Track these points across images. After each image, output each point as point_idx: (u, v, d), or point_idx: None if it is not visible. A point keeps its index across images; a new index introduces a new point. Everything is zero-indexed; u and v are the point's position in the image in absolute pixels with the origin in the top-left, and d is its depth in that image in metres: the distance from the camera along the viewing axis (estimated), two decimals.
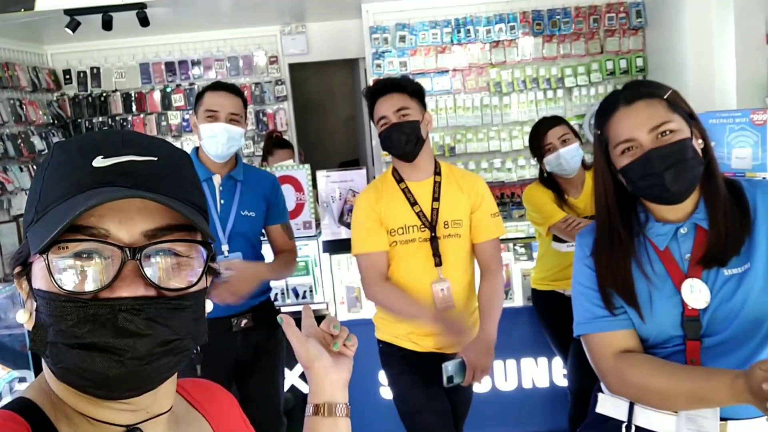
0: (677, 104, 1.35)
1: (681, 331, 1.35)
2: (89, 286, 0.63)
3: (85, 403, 0.68)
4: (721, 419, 1.31)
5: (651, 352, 1.40)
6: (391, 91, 2.23)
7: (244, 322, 2.37)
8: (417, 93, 2.26)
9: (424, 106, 2.29)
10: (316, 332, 0.95)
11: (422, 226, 2.23)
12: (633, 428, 1.41)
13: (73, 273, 0.63)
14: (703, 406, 1.28)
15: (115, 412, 0.68)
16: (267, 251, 2.57)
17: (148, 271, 0.65)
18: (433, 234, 2.23)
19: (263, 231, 2.54)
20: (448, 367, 2.11)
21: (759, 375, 1.09)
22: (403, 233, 2.24)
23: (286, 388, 3.17)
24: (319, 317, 0.97)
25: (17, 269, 0.69)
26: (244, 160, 5.94)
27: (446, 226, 2.25)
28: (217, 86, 2.42)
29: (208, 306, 0.73)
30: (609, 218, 1.42)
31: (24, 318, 0.68)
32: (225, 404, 0.88)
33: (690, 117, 1.36)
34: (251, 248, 2.44)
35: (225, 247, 2.35)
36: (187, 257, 0.68)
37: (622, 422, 1.43)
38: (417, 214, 2.24)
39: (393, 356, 2.32)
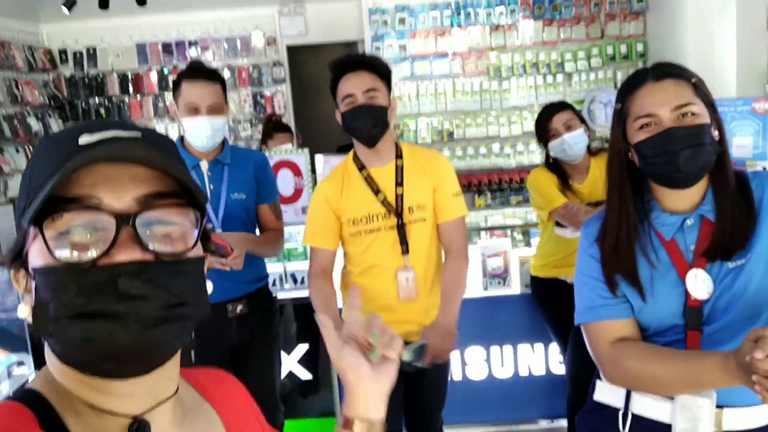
0: (702, 91, 1.36)
1: (682, 320, 1.36)
2: (87, 255, 0.63)
3: (90, 391, 0.67)
4: (717, 407, 1.32)
5: (652, 340, 1.41)
6: (362, 68, 2.10)
7: (239, 308, 2.37)
8: (386, 76, 2.15)
9: (390, 90, 2.18)
10: (358, 333, 0.85)
11: (387, 214, 2.16)
12: (630, 416, 1.42)
13: (69, 243, 0.63)
14: (697, 389, 1.30)
15: (121, 399, 0.68)
16: None
17: (144, 237, 0.65)
18: (399, 221, 2.15)
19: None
20: (406, 350, 2.05)
21: (746, 347, 1.10)
22: (367, 222, 2.16)
23: (283, 374, 3.19)
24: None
25: (13, 264, 0.69)
26: (242, 144, 5.96)
27: (411, 211, 2.17)
28: (194, 74, 2.31)
29: (209, 286, 0.73)
30: (620, 194, 1.42)
31: (25, 312, 0.67)
32: (238, 396, 0.87)
33: (711, 107, 1.36)
34: (246, 231, 2.43)
35: (219, 231, 2.35)
36: (181, 224, 0.68)
37: (619, 409, 1.44)
38: (381, 202, 2.16)
39: None
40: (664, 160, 1.32)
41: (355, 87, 2.09)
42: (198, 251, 0.70)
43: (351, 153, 2.26)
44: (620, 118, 1.41)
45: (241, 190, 2.40)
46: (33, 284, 0.65)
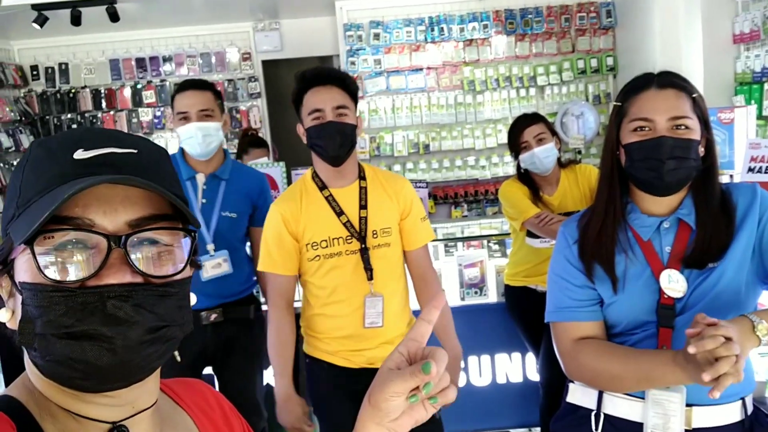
0: (699, 107, 1.40)
1: (655, 318, 1.39)
2: (76, 275, 0.63)
3: (70, 399, 0.67)
4: (687, 405, 1.34)
5: (623, 338, 1.44)
6: (333, 83, 1.99)
7: (213, 316, 2.38)
8: (354, 94, 2.05)
9: (356, 107, 2.08)
10: (413, 356, 0.74)
11: (349, 237, 2.02)
12: (602, 416, 1.44)
13: (59, 263, 0.63)
14: (650, 385, 1.34)
15: (101, 408, 0.68)
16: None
17: (134, 259, 0.65)
18: (363, 245, 2.02)
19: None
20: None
21: (689, 342, 1.14)
22: (327, 246, 2.02)
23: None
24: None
25: None
26: None
27: (375, 236, 2.05)
28: (185, 86, 2.38)
29: (192, 298, 0.73)
30: (610, 187, 1.46)
31: (6, 317, 0.67)
32: (213, 404, 0.87)
33: (705, 124, 1.41)
34: (234, 250, 2.43)
35: (210, 246, 2.35)
36: (171, 246, 0.68)
37: (592, 410, 1.46)
38: (344, 224, 2.02)
39: (321, 373, 2.11)
40: (649, 166, 1.36)
41: (325, 102, 1.98)
42: (186, 272, 0.70)
43: (309, 171, 2.12)
44: (618, 116, 1.45)
45: (234, 210, 2.40)
46: (17, 294, 0.66)
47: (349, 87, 2.03)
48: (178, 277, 0.68)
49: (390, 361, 0.74)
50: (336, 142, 1.97)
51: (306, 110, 2.01)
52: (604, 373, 1.39)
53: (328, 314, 2.07)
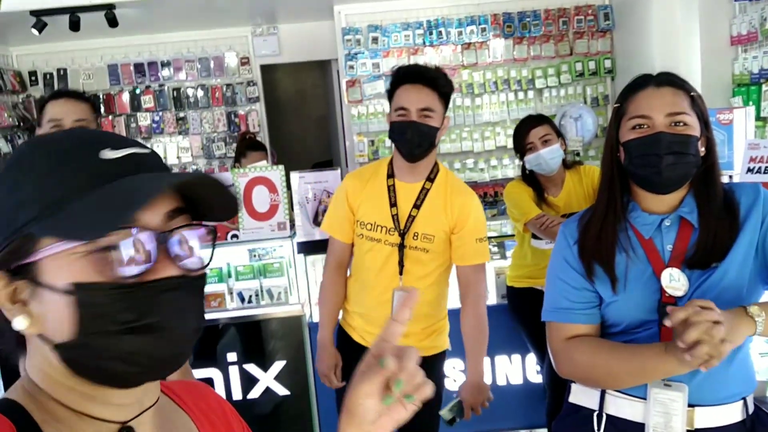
0: (698, 106, 1.41)
1: (656, 316, 1.39)
2: (132, 271, 0.63)
3: (82, 401, 0.68)
4: (689, 406, 1.34)
5: (625, 336, 1.43)
6: (424, 83, 2.02)
7: None
8: (447, 96, 2.08)
9: (446, 109, 2.12)
10: (386, 368, 0.72)
11: (392, 230, 2.13)
12: (604, 417, 1.44)
13: (115, 260, 0.63)
14: (645, 380, 1.35)
15: (112, 408, 0.69)
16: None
17: (176, 253, 0.67)
18: (401, 241, 2.12)
19: None
20: (448, 411, 2.24)
21: (678, 331, 1.17)
22: (371, 230, 2.16)
23: (260, 390, 3.16)
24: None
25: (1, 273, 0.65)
26: (216, 162, 5.93)
27: (415, 237, 2.12)
28: (59, 94, 2.17)
29: None
30: (610, 187, 1.47)
31: (25, 323, 0.65)
32: (213, 404, 0.87)
33: (705, 124, 1.41)
34: None
35: None
36: (197, 240, 0.71)
37: (594, 411, 1.46)
38: (393, 216, 2.13)
39: (346, 345, 2.32)
40: (647, 162, 1.37)
41: (411, 102, 2.02)
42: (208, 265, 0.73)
43: (390, 156, 2.21)
44: (617, 116, 1.46)
45: None
46: (48, 296, 0.64)
47: (440, 88, 2.05)
48: (206, 270, 0.72)
49: (362, 364, 0.75)
50: (414, 142, 2.04)
51: (394, 105, 2.07)
52: (599, 368, 1.39)
53: (354, 289, 2.28)
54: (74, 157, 0.66)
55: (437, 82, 2.03)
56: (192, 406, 0.84)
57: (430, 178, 2.16)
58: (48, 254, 0.63)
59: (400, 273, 2.13)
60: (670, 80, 1.42)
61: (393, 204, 2.14)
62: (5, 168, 0.68)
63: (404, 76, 2.05)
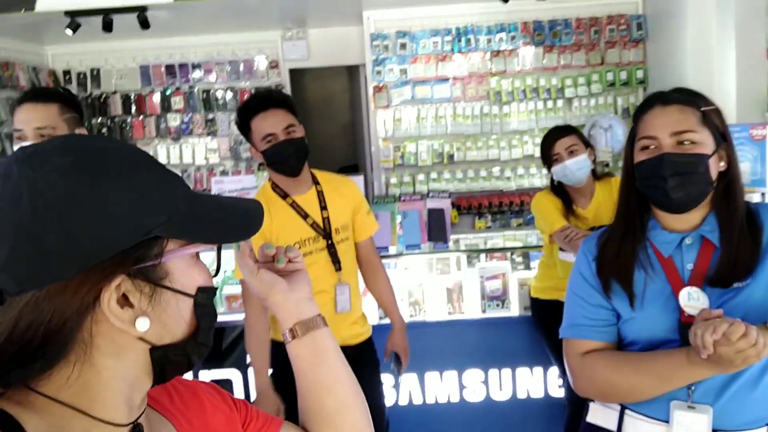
0: (711, 120, 1.37)
1: (677, 336, 1.35)
2: (218, 278, 0.71)
3: (113, 405, 0.68)
4: (714, 430, 1.30)
5: None
6: (276, 106, 2.22)
7: None
8: (295, 109, 2.28)
9: (299, 119, 2.30)
10: (260, 263, 0.94)
11: (317, 237, 2.29)
12: None
13: (205, 267, 0.75)
14: (669, 388, 1.31)
15: (127, 410, 0.70)
16: None
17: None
18: (329, 242, 2.31)
19: None
20: (391, 367, 2.54)
21: (698, 332, 1.18)
22: (300, 248, 2.23)
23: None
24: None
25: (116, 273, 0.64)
26: (243, 165, 5.96)
27: (337, 232, 2.34)
28: (23, 98, 1.96)
29: None
30: (628, 207, 1.45)
31: (147, 325, 0.66)
32: (180, 388, 0.86)
33: (722, 137, 1.37)
34: None
35: None
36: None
37: None
38: (311, 226, 2.28)
39: (284, 356, 2.33)
40: (654, 184, 1.35)
41: (274, 126, 2.19)
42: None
43: (267, 184, 2.35)
44: (630, 136, 1.45)
45: None
46: (168, 297, 0.68)
47: (291, 106, 2.26)
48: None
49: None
50: (293, 158, 2.22)
51: (258, 136, 2.22)
52: (621, 383, 1.36)
53: None
54: (173, 177, 0.74)
55: (287, 101, 2.25)
56: (169, 407, 0.84)
57: (316, 182, 2.38)
58: (172, 257, 0.68)
59: (338, 269, 2.32)
60: (677, 98, 1.39)
61: (305, 216, 2.29)
62: (115, 172, 0.65)
63: (254, 108, 2.21)
